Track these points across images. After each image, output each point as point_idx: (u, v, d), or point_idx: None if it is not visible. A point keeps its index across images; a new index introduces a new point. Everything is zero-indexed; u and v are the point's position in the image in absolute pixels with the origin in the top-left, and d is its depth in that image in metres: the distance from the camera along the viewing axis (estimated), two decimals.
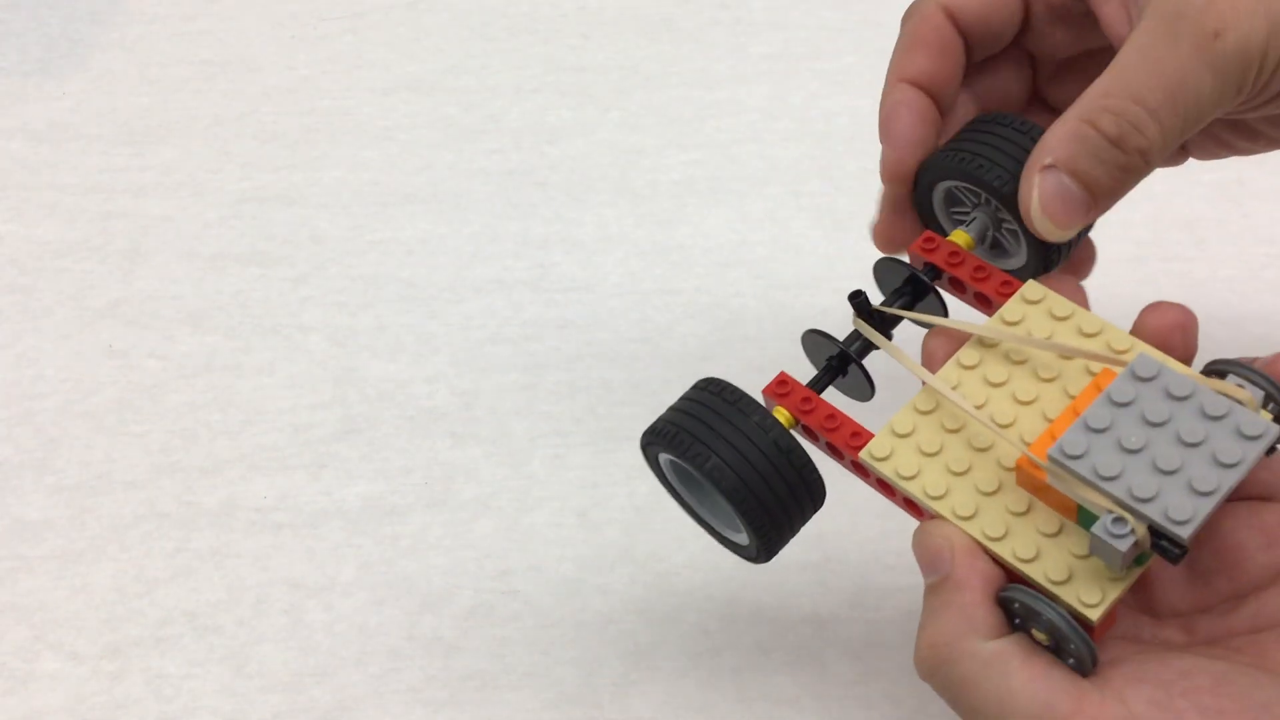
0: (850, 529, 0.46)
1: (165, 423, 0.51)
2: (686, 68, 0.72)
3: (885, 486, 0.34)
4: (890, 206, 0.41)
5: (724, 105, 0.68)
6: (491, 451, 0.50)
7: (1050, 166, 0.34)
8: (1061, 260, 0.39)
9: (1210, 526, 0.33)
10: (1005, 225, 0.39)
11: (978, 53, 0.41)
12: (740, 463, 0.33)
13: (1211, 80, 0.33)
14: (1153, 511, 0.29)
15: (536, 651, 0.43)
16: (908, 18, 0.41)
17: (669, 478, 0.37)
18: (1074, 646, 0.30)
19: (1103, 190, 0.34)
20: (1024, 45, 0.42)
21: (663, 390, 0.52)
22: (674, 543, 0.46)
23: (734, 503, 0.33)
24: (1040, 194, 0.34)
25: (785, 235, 0.60)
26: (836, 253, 0.58)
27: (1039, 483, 0.31)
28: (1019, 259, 0.39)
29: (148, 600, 0.45)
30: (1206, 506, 0.29)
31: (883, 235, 0.42)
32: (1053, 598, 0.30)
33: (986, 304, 0.37)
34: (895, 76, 0.40)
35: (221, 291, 0.58)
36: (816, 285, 0.57)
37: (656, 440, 0.35)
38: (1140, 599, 0.34)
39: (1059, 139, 0.34)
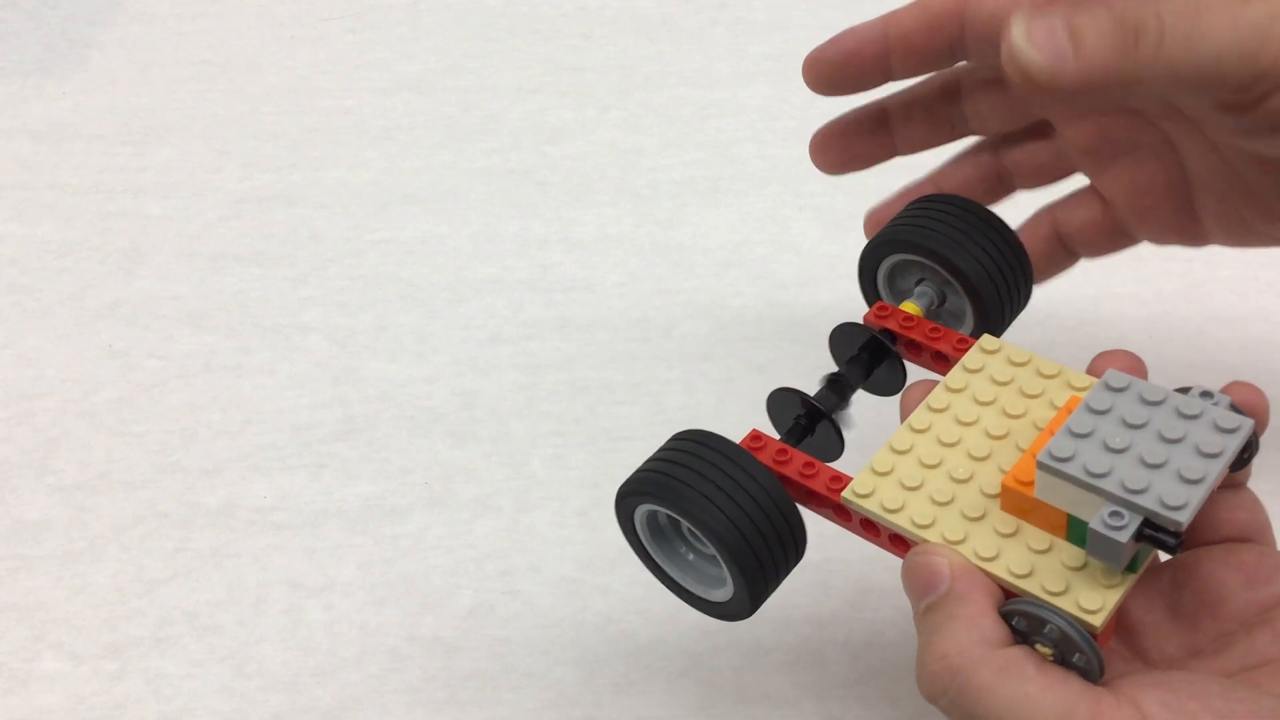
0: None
1: (165, 423, 0.51)
2: (686, 68, 0.72)
3: (869, 527, 0.35)
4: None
5: (724, 105, 0.68)
6: (491, 451, 0.50)
7: (1045, 8, 0.33)
8: (1005, 326, 0.41)
9: (1189, 569, 0.33)
10: (950, 299, 0.41)
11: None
12: (736, 513, 0.33)
13: (1228, 34, 0.32)
14: (1147, 501, 0.30)
15: (536, 651, 0.43)
16: None
17: (640, 535, 0.37)
18: (1081, 655, 0.30)
19: (1089, 53, 0.33)
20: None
21: (662, 390, 0.52)
22: None
23: (729, 554, 0.34)
24: (1028, 25, 0.33)
25: (785, 235, 0.60)
26: (836, 252, 0.58)
27: (1026, 504, 0.32)
28: (965, 329, 0.41)
29: (148, 600, 0.45)
30: (1198, 493, 0.30)
31: (820, 143, 0.45)
32: (1053, 609, 0.30)
33: (944, 362, 0.38)
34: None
35: (221, 291, 0.58)
36: (816, 285, 0.57)
37: (641, 492, 0.35)
38: (1132, 647, 0.34)
39: None
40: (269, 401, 0.52)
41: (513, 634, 0.43)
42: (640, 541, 0.37)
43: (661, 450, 0.36)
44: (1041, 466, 0.31)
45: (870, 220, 0.47)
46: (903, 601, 0.44)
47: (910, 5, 0.42)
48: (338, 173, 0.64)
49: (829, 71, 0.43)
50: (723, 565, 0.35)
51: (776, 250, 0.59)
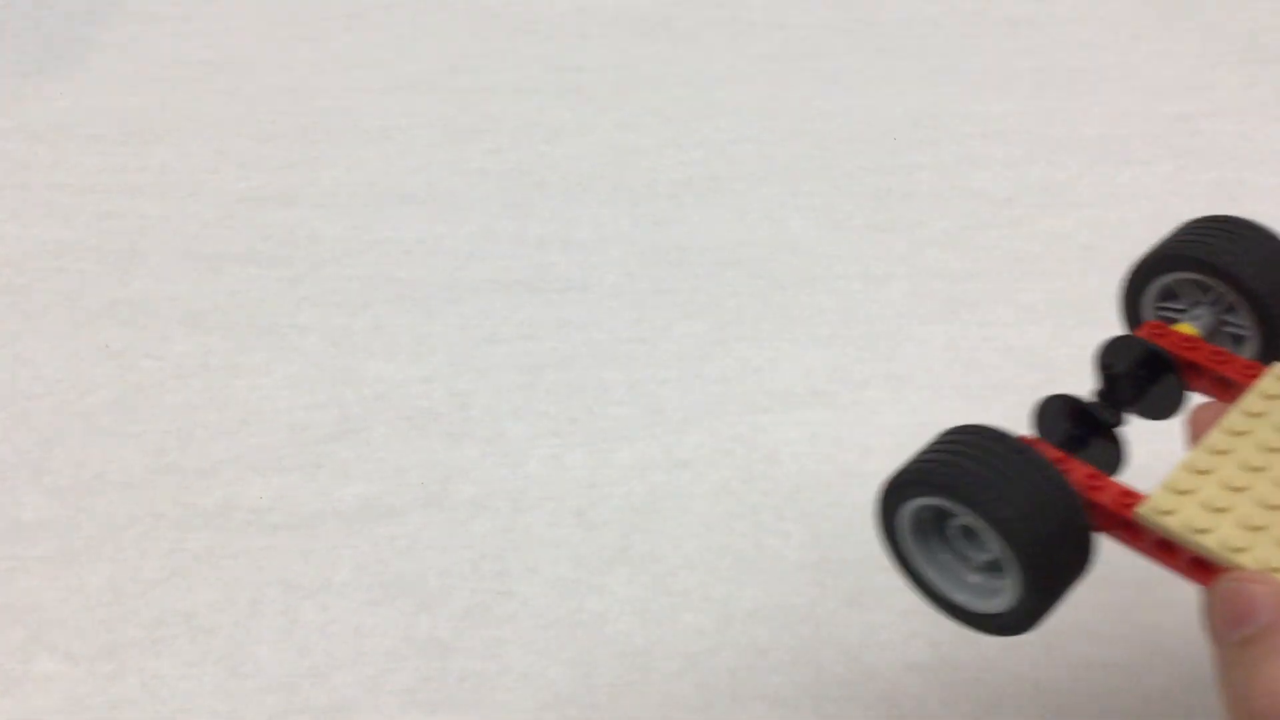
0: (848, 529, 0.46)
1: (162, 423, 0.51)
2: (684, 67, 0.71)
3: (1163, 548, 0.32)
4: None
5: (722, 105, 0.68)
6: (488, 451, 0.50)
7: None
8: None
9: None
10: (1228, 325, 0.38)
11: None
12: (1035, 516, 0.31)
13: None
14: None
15: (533, 652, 0.43)
16: None
17: (902, 534, 0.34)
18: None
19: None
20: None
21: (660, 391, 0.52)
22: (670, 543, 0.46)
23: (1025, 560, 0.31)
24: None
25: (782, 234, 0.60)
26: (834, 252, 0.58)
27: None
28: (1244, 355, 0.38)
29: (143, 601, 0.45)
30: None
31: None
32: None
33: (1227, 389, 0.36)
34: None
35: (218, 291, 0.57)
36: (814, 285, 0.57)
37: (923, 485, 0.32)
38: None
39: None
40: (266, 402, 0.52)
41: (509, 634, 0.43)
42: (900, 543, 0.34)
43: (946, 443, 0.33)
44: None
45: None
46: (900, 602, 0.44)
47: None
48: (335, 173, 0.64)
49: None
50: (1008, 571, 0.32)
51: (774, 250, 0.59)
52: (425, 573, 0.45)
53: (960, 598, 0.34)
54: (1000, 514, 0.31)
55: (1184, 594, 0.44)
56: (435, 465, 0.49)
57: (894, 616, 0.43)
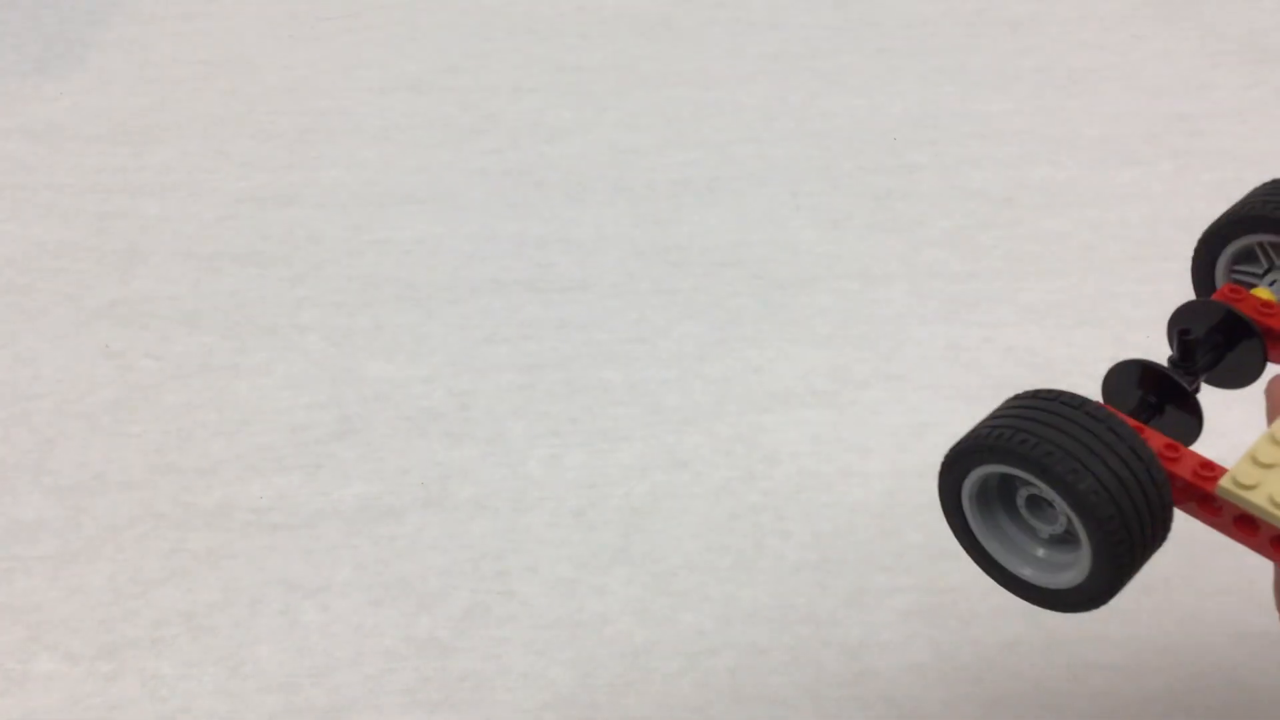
0: (848, 529, 0.46)
1: (162, 423, 0.51)
2: (684, 67, 0.71)
3: (1242, 525, 0.30)
4: None
5: (722, 105, 0.68)
6: (488, 452, 0.50)
7: None
8: None
9: None
10: None
11: None
12: (1118, 488, 0.29)
13: None
14: None
15: (533, 652, 0.43)
16: None
17: (966, 503, 0.32)
18: None
19: None
20: None
21: (660, 391, 0.52)
22: (670, 543, 0.46)
23: (1102, 535, 0.29)
24: None
25: (782, 234, 0.60)
26: (834, 252, 0.58)
27: None
28: None
29: (143, 601, 0.45)
30: None
31: None
32: None
33: None
34: None
35: (218, 292, 0.57)
36: (814, 284, 0.57)
37: (994, 452, 0.31)
38: None
39: None
40: (266, 402, 0.52)
41: (509, 634, 0.43)
42: (964, 516, 0.33)
43: (1010, 407, 0.31)
44: None
45: None
46: (900, 602, 0.44)
47: None
48: (335, 173, 0.64)
49: None
50: (1081, 546, 0.30)
51: (774, 250, 0.59)
52: (425, 573, 0.45)
53: (1026, 572, 0.32)
54: (1077, 485, 0.29)
55: (1184, 595, 0.44)
56: (435, 465, 0.49)
57: (894, 616, 0.43)
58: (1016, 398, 0.31)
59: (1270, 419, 0.32)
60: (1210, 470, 0.30)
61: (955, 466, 0.32)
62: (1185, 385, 0.33)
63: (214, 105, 0.69)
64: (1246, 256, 0.37)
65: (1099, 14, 0.76)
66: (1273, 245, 0.36)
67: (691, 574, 0.45)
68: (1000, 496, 0.32)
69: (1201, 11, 0.77)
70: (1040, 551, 0.32)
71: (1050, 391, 0.31)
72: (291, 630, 0.44)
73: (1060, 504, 0.30)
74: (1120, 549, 0.30)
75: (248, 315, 0.56)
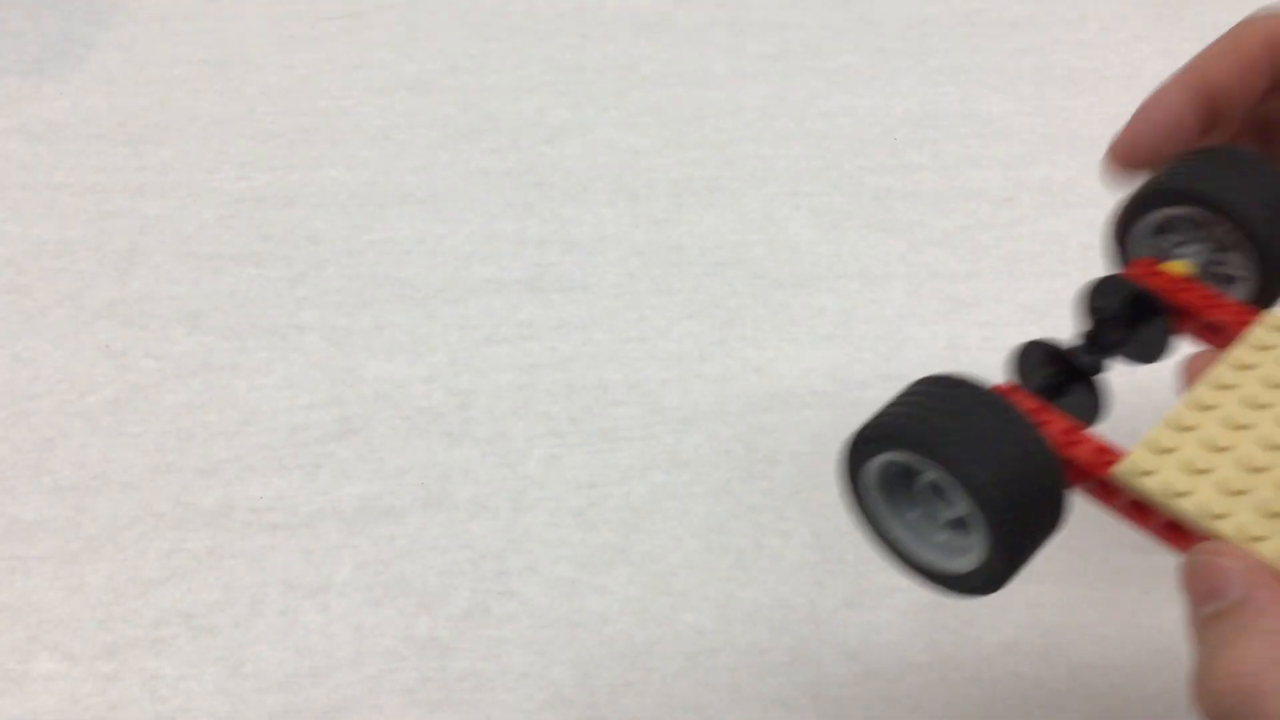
0: (848, 529, 0.46)
1: (161, 423, 0.51)
2: (685, 67, 0.71)
3: (1137, 510, 0.30)
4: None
5: (722, 105, 0.68)
6: (488, 452, 0.50)
7: None
8: None
9: None
10: (1220, 264, 0.36)
11: None
12: (1008, 476, 0.29)
13: None
14: None
15: (532, 652, 0.43)
16: (1230, 30, 0.36)
17: (867, 491, 0.33)
18: None
19: None
20: None
21: (659, 390, 0.52)
22: (670, 543, 0.46)
23: (995, 520, 0.30)
24: None
25: (782, 235, 0.60)
26: (835, 253, 0.58)
27: None
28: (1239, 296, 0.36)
29: (143, 601, 0.45)
30: None
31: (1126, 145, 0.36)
32: None
33: (1216, 334, 0.34)
34: (1178, 77, 0.36)
35: (218, 291, 0.57)
36: (814, 285, 0.57)
37: (890, 441, 0.31)
38: None
39: None
40: (265, 402, 0.52)
41: (509, 635, 0.43)
42: (865, 500, 0.33)
43: (908, 394, 0.32)
44: None
45: (1122, 151, 0.38)
46: (900, 601, 0.44)
47: (1217, 54, 0.36)
48: (335, 173, 0.64)
49: (1144, 155, 0.37)
50: (975, 530, 0.31)
51: (774, 250, 0.59)
52: (425, 573, 0.45)
53: (927, 556, 0.32)
54: (970, 473, 0.29)
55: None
56: (435, 465, 0.49)
57: (894, 616, 0.43)
58: (916, 383, 0.32)
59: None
60: (1108, 455, 0.30)
61: (854, 454, 0.32)
62: (1087, 366, 0.33)
63: (214, 105, 0.69)
64: (1163, 228, 0.36)
65: (1099, 14, 0.76)
66: (1189, 217, 0.35)
67: (691, 574, 0.45)
68: (902, 482, 0.32)
69: (1201, 11, 0.77)
70: (940, 536, 0.32)
71: (945, 377, 0.31)
72: (291, 630, 0.44)
73: (955, 490, 0.30)
74: (1012, 535, 0.30)
75: (248, 315, 0.56)
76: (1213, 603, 0.28)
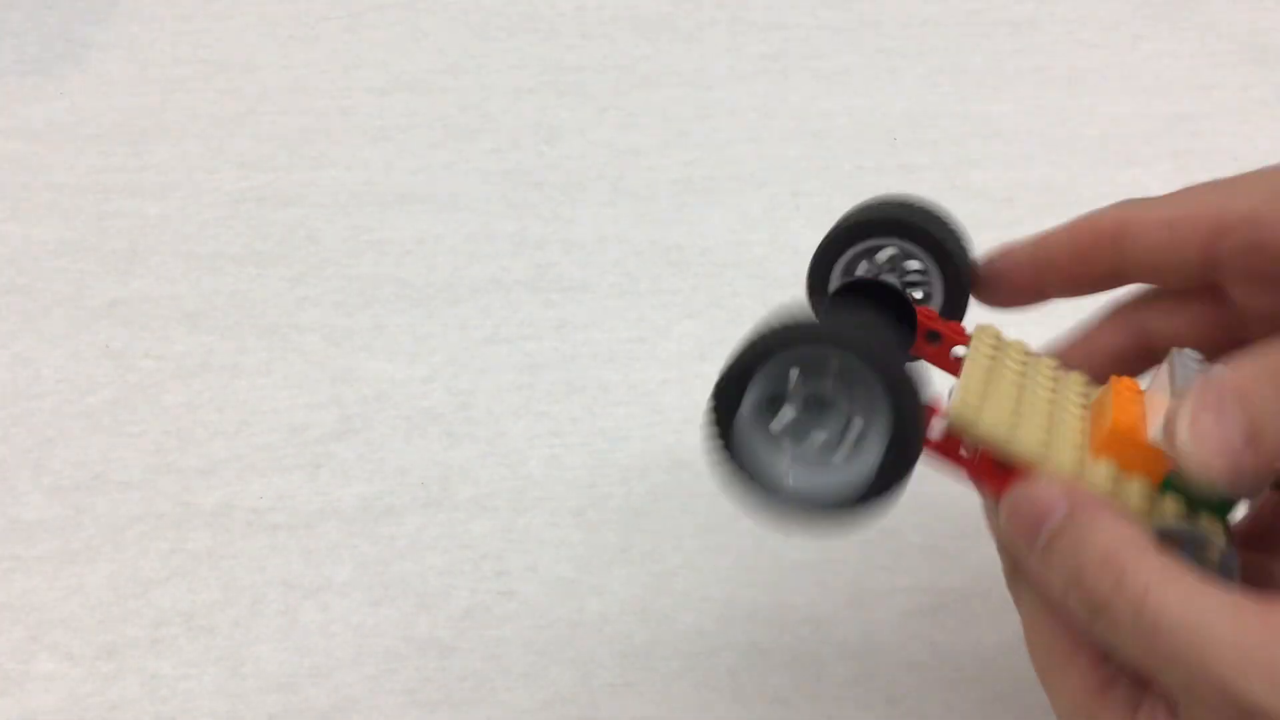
0: (848, 529, 0.46)
1: (162, 423, 0.51)
2: (684, 67, 0.71)
3: (945, 450, 0.32)
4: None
5: (722, 105, 0.68)
6: (488, 452, 0.50)
7: (1225, 396, 0.27)
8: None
9: None
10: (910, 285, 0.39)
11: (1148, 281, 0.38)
12: (902, 369, 0.30)
13: None
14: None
15: (533, 652, 0.43)
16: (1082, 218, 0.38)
17: (745, 429, 0.32)
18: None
19: (1266, 453, 0.27)
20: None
21: (659, 391, 0.52)
22: (671, 543, 0.46)
23: (892, 391, 0.30)
24: (1199, 423, 0.27)
25: (782, 235, 0.60)
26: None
27: (1129, 449, 0.30)
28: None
29: (144, 601, 0.45)
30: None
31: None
32: (1194, 528, 0.29)
33: (931, 343, 0.37)
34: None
35: (218, 291, 0.57)
36: None
37: (792, 341, 0.31)
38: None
39: (1254, 377, 0.28)
40: (266, 402, 0.52)
41: (509, 634, 0.43)
42: (734, 440, 0.32)
43: (767, 319, 0.32)
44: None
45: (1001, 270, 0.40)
46: (900, 602, 0.44)
47: (1060, 229, 0.39)
48: (334, 173, 0.64)
49: (998, 287, 0.40)
50: (868, 434, 0.31)
51: (774, 250, 0.59)
52: (425, 573, 0.45)
53: (821, 482, 0.31)
54: (879, 356, 0.30)
55: None
56: (435, 465, 0.49)
57: (894, 616, 0.43)
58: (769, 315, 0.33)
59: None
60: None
61: (739, 378, 0.32)
62: (911, 303, 0.36)
63: (214, 105, 0.69)
64: (850, 267, 0.40)
65: (1099, 14, 0.76)
66: (866, 252, 0.39)
67: (691, 574, 0.45)
68: (768, 408, 0.32)
69: (1201, 11, 0.77)
70: (833, 456, 0.31)
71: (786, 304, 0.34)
72: (291, 630, 0.44)
73: (852, 391, 0.31)
74: (906, 435, 0.30)
75: (247, 315, 0.56)
76: (1044, 528, 0.29)
